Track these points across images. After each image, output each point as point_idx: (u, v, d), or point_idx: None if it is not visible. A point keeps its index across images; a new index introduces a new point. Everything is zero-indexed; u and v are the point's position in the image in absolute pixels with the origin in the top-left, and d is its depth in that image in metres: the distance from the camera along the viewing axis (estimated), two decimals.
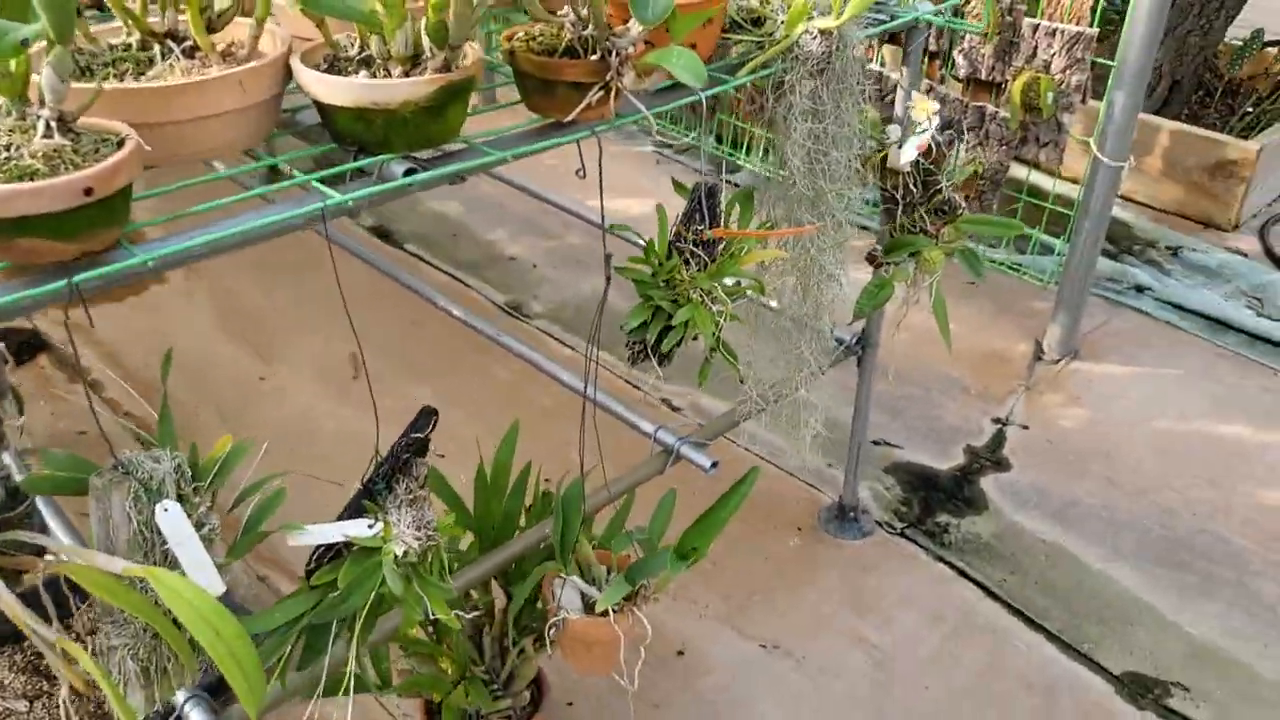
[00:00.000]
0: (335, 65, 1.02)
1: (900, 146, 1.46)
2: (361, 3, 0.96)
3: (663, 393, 2.44)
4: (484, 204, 3.19)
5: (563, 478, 1.33)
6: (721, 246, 1.26)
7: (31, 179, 0.76)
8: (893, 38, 1.68)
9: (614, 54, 1.04)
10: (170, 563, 0.88)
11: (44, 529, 0.84)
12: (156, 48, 0.99)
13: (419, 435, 1.09)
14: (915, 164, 1.49)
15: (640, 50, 1.07)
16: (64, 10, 0.72)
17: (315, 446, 2.20)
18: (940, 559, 1.97)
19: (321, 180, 0.97)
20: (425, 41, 0.95)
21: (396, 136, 0.99)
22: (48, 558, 0.79)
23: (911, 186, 1.51)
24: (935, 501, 2.10)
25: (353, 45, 1.04)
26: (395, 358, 2.47)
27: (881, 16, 1.37)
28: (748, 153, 3.24)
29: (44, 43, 0.77)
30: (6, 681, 1.01)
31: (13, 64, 0.77)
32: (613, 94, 1.07)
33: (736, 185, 1.63)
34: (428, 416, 1.10)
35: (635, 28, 1.04)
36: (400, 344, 2.51)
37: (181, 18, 1.00)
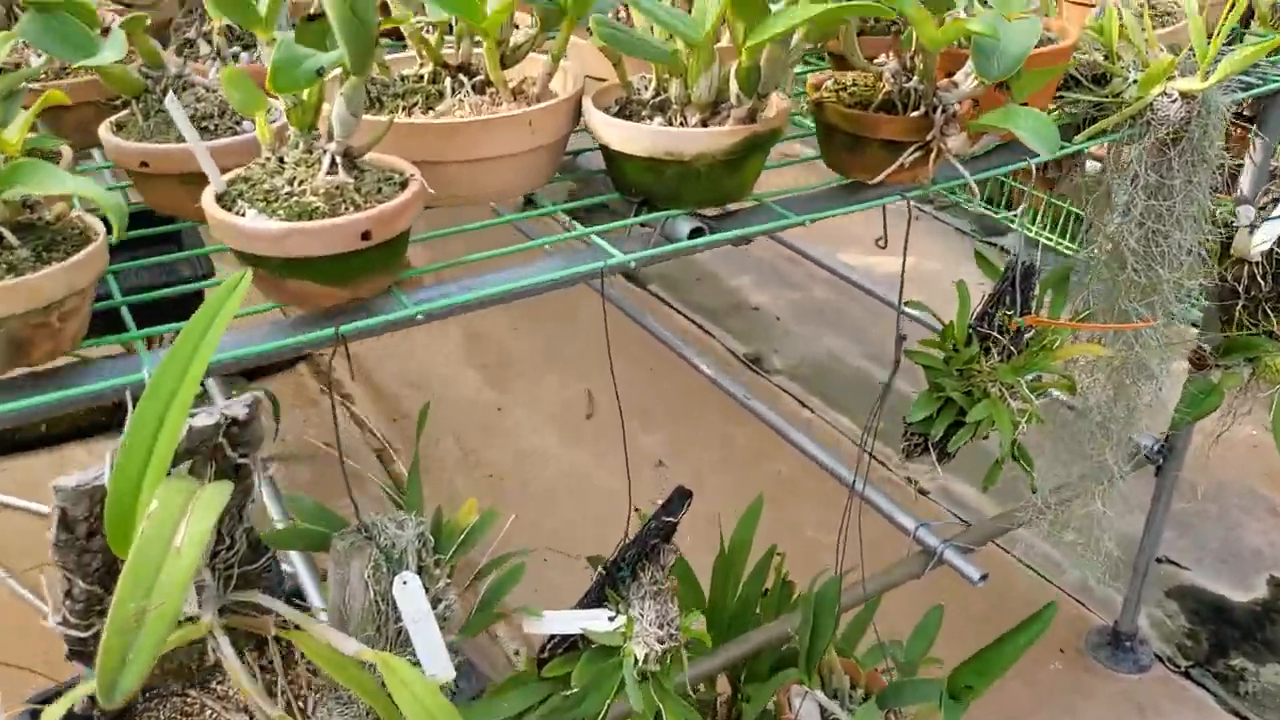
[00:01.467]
0: (627, 109, 0.94)
1: (1252, 231, 1.24)
2: (666, 43, 0.87)
3: (908, 470, 2.24)
4: (729, 247, 3.09)
5: (818, 577, 1.18)
6: (1028, 336, 1.09)
7: (311, 217, 0.70)
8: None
9: (939, 110, 0.90)
10: (402, 639, 0.80)
11: (281, 580, 0.78)
12: (448, 81, 0.93)
13: (671, 519, 0.98)
14: (1268, 253, 1.25)
15: (965, 107, 0.92)
16: (365, 41, 0.66)
17: (546, 486, 2.16)
18: (1234, 712, 1.67)
19: (601, 234, 0.89)
20: (733, 88, 0.84)
21: (687, 190, 0.89)
22: (279, 621, 0.72)
23: (1259, 279, 1.27)
24: (1229, 639, 1.80)
25: (647, 88, 0.95)
26: (630, 403, 2.40)
27: (1250, 79, 1.16)
28: (1061, 232, 2.80)
29: (338, 72, 0.72)
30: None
31: (305, 93, 0.72)
32: (933, 156, 0.92)
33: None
34: (682, 499, 0.99)
35: (968, 83, 0.90)
36: (636, 389, 2.44)
37: (477, 49, 0.94)
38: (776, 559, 1.31)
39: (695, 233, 0.89)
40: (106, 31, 0.91)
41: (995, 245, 2.94)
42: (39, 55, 0.99)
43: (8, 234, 0.63)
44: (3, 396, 0.66)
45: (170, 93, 0.71)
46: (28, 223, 0.65)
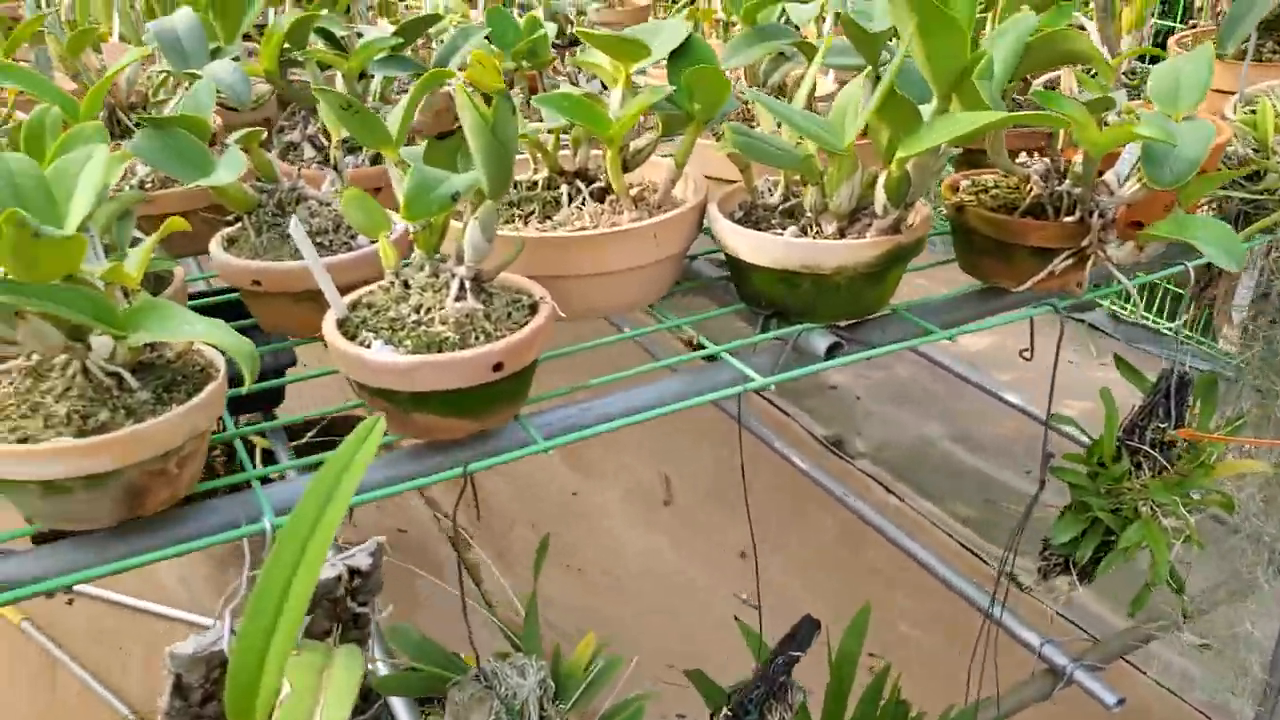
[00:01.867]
0: (753, 214, 0.88)
1: None
2: (798, 146, 0.82)
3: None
4: None
5: (949, 712, 1.09)
6: (1180, 451, 1.00)
7: (440, 349, 0.65)
8: None
9: (1096, 215, 0.84)
10: None
11: None
12: (564, 188, 0.89)
13: (797, 654, 0.91)
14: None
15: (1121, 212, 0.85)
16: (504, 164, 0.62)
17: (629, 578, 2.08)
18: None
19: (731, 350, 0.83)
20: (878, 197, 0.79)
21: (822, 304, 0.83)
22: None
23: None
24: None
25: (773, 191, 0.90)
26: (706, 488, 2.33)
27: None
28: (1202, 330, 2.57)
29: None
30: None
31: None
32: (1088, 264, 0.86)
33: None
34: (810, 631, 0.92)
35: (1129, 187, 0.83)
36: (713, 473, 2.37)
37: (595, 151, 0.90)
38: (891, 680, 1.22)
39: (833, 349, 0.83)
40: (215, 142, 0.88)
41: (1134, 345, 2.75)
42: (143, 165, 0.97)
43: (128, 376, 0.59)
44: (116, 549, 0.62)
45: (294, 219, 0.67)
46: (148, 362, 0.61)
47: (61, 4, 1.28)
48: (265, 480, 0.68)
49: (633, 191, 0.89)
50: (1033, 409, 1.73)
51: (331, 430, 2.18)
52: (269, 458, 2.30)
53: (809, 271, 0.80)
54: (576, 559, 2.15)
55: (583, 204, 0.87)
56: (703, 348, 0.85)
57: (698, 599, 2.06)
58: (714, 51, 0.87)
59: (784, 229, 0.83)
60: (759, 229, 0.85)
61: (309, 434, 2.17)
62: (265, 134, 0.80)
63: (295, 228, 0.67)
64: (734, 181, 0.98)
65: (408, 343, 0.66)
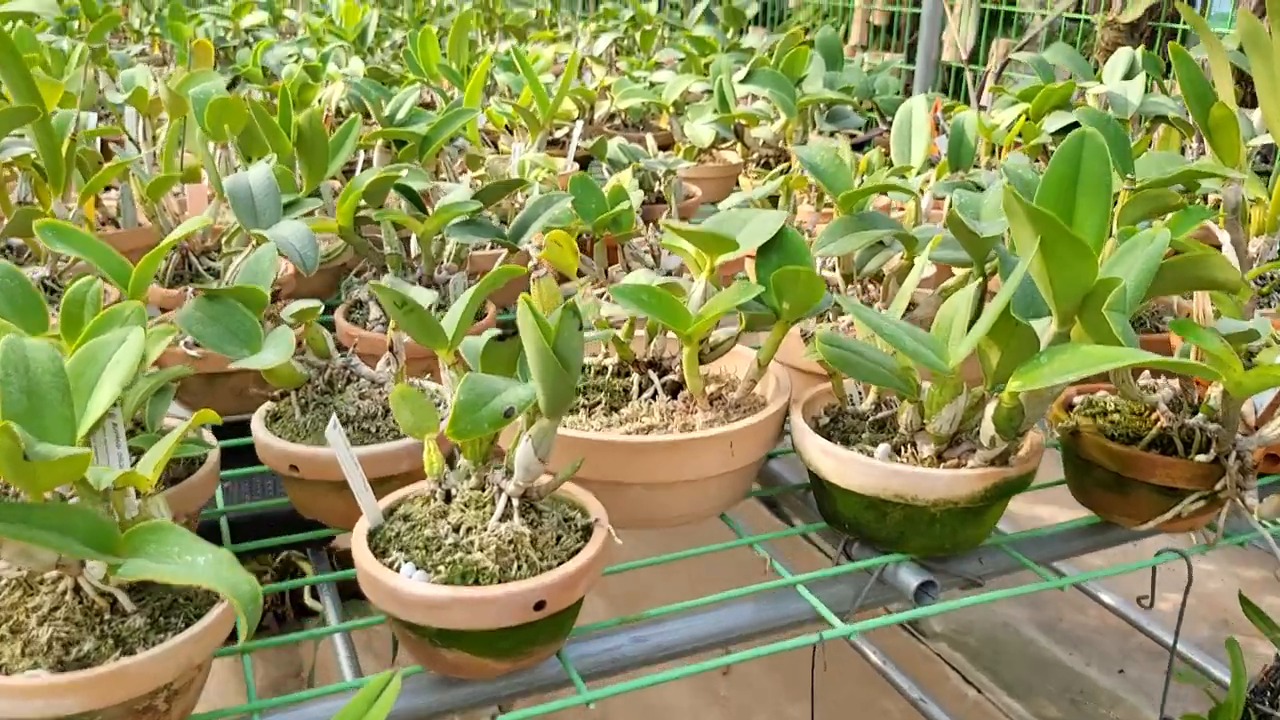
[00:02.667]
0: (841, 421, 0.80)
1: None
2: (897, 358, 0.74)
3: None
4: None
5: None
6: None
7: (477, 580, 0.58)
8: None
9: (1234, 458, 0.73)
10: None
11: None
12: (635, 377, 0.82)
13: None
14: None
15: (1259, 455, 0.75)
16: (566, 387, 0.55)
17: None
18: None
19: (809, 581, 0.74)
20: (985, 429, 0.70)
21: (914, 536, 0.73)
22: None
23: None
24: None
25: (863, 396, 0.82)
26: (768, 661, 2.18)
27: None
28: None
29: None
30: None
31: None
32: (1223, 509, 0.75)
33: None
34: None
35: (1274, 428, 0.73)
36: None
37: (671, 337, 0.83)
38: None
39: (925, 589, 0.73)
40: (277, 298, 0.84)
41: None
42: None
43: (122, 599, 0.53)
44: None
45: (334, 421, 0.61)
46: (148, 581, 0.54)
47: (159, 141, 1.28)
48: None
49: (710, 386, 0.81)
50: (1134, 615, 1.57)
51: None
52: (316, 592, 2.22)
53: (901, 501, 0.71)
54: (618, 717, 2.01)
55: (653, 397, 0.80)
56: (775, 572, 0.76)
57: None
58: (806, 246, 0.81)
59: (875, 445, 0.75)
60: (847, 440, 0.77)
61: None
62: (321, 309, 0.75)
63: (333, 431, 0.61)
64: (822, 378, 0.90)
65: (441, 569, 0.58)
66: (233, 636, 0.67)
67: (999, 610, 2.39)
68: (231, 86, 1.80)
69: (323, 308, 0.76)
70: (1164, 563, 0.77)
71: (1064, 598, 2.45)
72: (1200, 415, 0.75)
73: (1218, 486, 0.74)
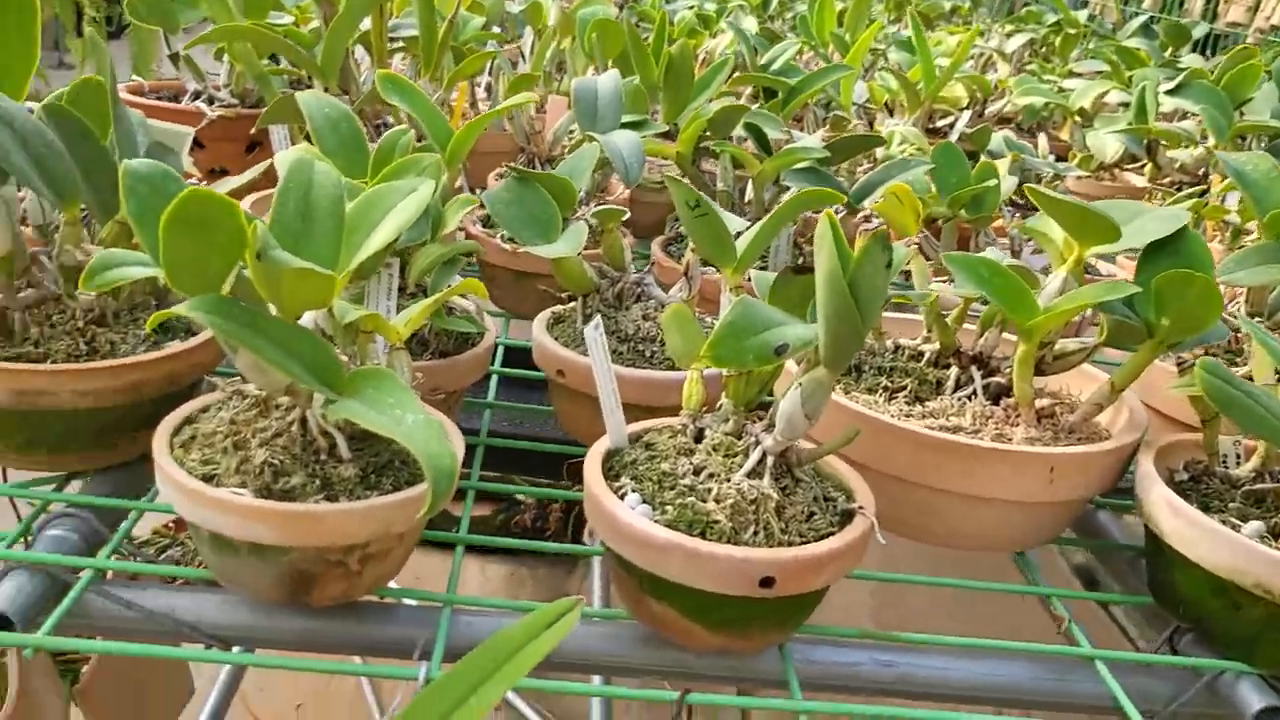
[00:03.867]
0: (1204, 483, 0.63)
1: None
2: None
3: None
4: None
5: None
6: None
7: (704, 533, 0.50)
8: None
9: None
10: None
11: None
12: (954, 370, 0.70)
13: None
14: None
15: None
16: (854, 328, 0.45)
17: None
18: None
19: (1112, 661, 0.59)
20: None
21: (1269, 645, 0.56)
22: None
23: None
24: None
25: (1241, 459, 0.65)
26: None
27: None
28: None
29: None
30: None
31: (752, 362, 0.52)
32: None
33: None
34: None
35: None
36: None
37: (1006, 334, 0.70)
38: None
39: (1269, 715, 0.55)
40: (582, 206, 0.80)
41: None
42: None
43: (341, 443, 0.50)
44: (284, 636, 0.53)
45: (596, 320, 0.55)
46: (373, 433, 0.52)
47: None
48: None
49: (1041, 402, 0.67)
50: None
51: None
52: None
53: (1268, 597, 0.54)
54: None
55: (969, 397, 0.68)
56: (1071, 638, 0.61)
57: None
58: (1212, 256, 0.64)
59: (1245, 520, 0.58)
60: (1208, 508, 0.60)
61: None
62: (626, 214, 0.70)
63: (592, 331, 0.55)
64: (1188, 427, 0.73)
65: (669, 509, 0.51)
66: (456, 525, 0.64)
67: None
68: None
69: (627, 214, 0.70)
70: None
71: None
72: None
73: None
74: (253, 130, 0.90)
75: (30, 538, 0.56)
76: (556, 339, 0.71)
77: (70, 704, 0.91)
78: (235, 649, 0.56)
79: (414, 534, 0.53)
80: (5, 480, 0.74)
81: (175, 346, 0.60)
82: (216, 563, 0.51)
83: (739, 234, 0.61)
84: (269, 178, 0.65)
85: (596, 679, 1.06)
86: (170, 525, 1.52)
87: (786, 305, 0.53)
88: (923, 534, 0.64)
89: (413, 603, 0.57)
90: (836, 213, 0.54)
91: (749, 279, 0.57)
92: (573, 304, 0.74)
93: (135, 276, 0.46)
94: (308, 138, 0.95)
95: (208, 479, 0.49)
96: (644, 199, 1.11)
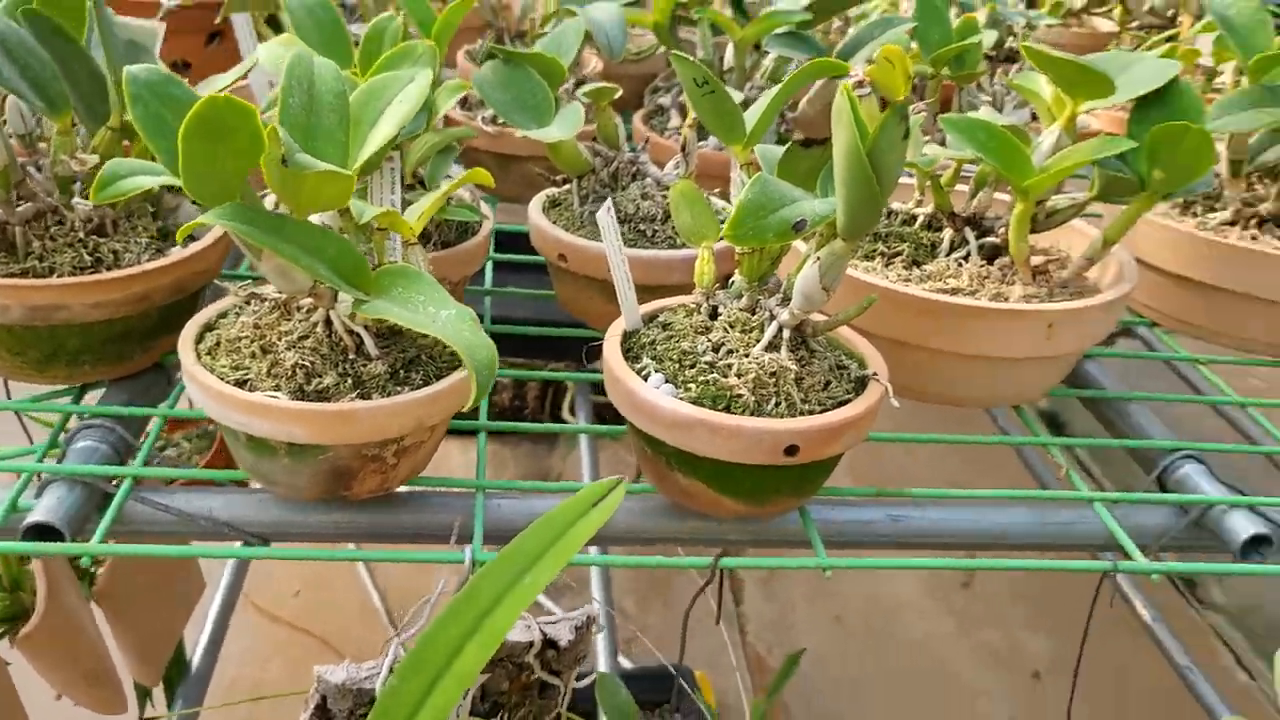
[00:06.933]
0: None
1: None
2: None
3: None
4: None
5: None
6: None
7: (729, 407, 0.51)
8: None
9: None
10: None
11: None
12: (948, 233, 0.71)
13: None
14: None
15: None
16: (873, 201, 0.46)
17: (904, 654, 1.87)
18: None
19: (1110, 502, 0.62)
20: None
21: None
22: None
23: None
24: None
25: None
26: (1015, 587, 2.04)
27: None
28: None
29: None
30: None
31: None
32: None
33: None
34: None
35: None
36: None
37: (1000, 197, 0.71)
38: None
39: (1257, 545, 0.59)
40: (581, 84, 0.79)
41: None
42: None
43: (368, 342, 0.51)
44: (322, 529, 0.54)
45: (607, 204, 0.55)
46: (397, 329, 0.52)
47: None
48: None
49: (1035, 259, 0.69)
50: None
51: None
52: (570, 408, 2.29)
53: None
54: (845, 614, 1.96)
55: (965, 259, 0.69)
56: (1071, 483, 0.65)
57: (973, 705, 1.81)
58: (1203, 105, 0.65)
59: None
60: None
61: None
62: (619, 92, 0.69)
63: (605, 214, 0.55)
64: (1177, 277, 0.75)
65: (691, 387, 0.52)
66: (474, 414, 0.65)
67: None
68: None
69: (620, 92, 0.69)
70: None
71: None
72: None
73: None
74: (217, 20, 0.87)
75: (60, 450, 0.57)
76: (555, 222, 0.71)
77: (92, 605, 0.93)
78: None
79: (443, 426, 0.54)
80: (9, 397, 0.74)
81: (181, 253, 0.60)
82: (254, 463, 0.52)
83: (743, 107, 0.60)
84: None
85: (594, 549, 1.09)
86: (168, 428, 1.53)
87: (795, 179, 0.53)
88: (925, 395, 0.67)
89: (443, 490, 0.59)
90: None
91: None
92: (567, 186, 0.74)
93: (149, 185, 0.45)
94: (272, 27, 0.92)
95: (241, 384, 0.49)
96: (620, 71, 1.09)
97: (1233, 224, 0.77)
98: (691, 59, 0.54)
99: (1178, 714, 1.73)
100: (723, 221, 0.54)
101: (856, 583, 2.04)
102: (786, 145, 0.54)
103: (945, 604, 2.00)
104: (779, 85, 0.58)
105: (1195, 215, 0.80)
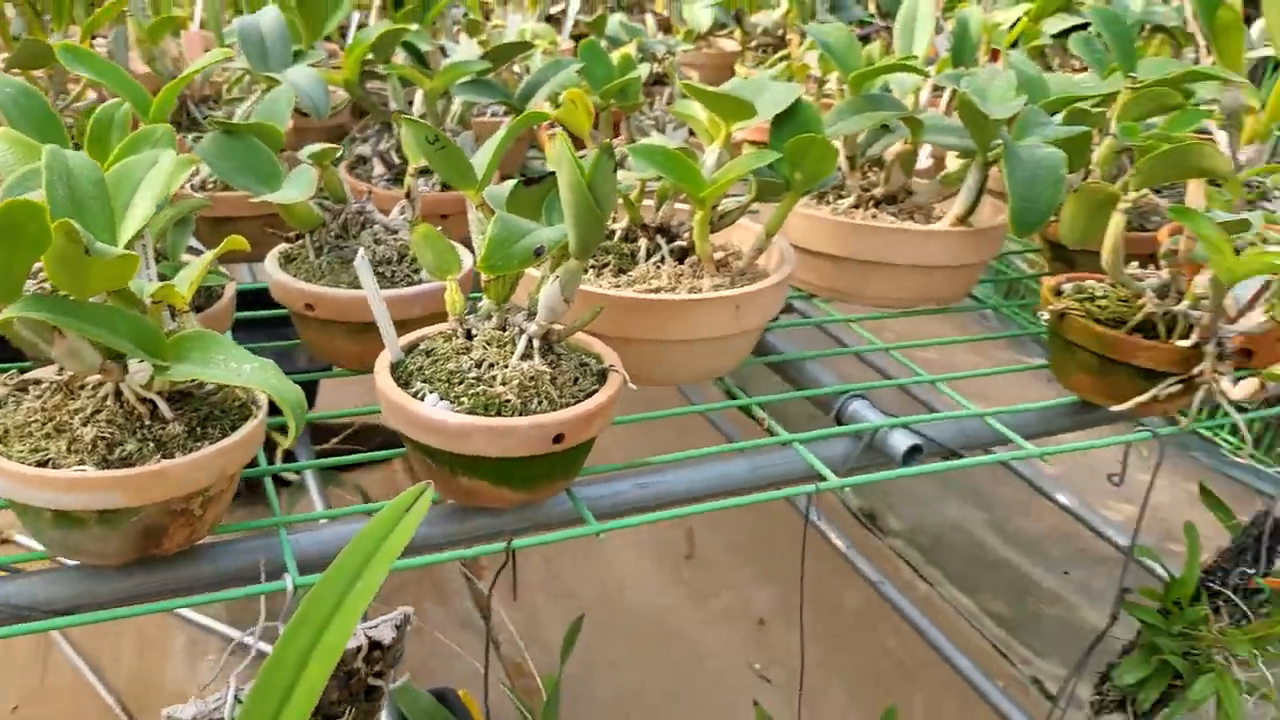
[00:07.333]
0: None
1: None
2: None
3: (1034, 668, 2.04)
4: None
5: None
6: (1265, 600, 0.93)
7: (499, 412, 0.60)
8: None
9: (1215, 344, 0.77)
10: None
11: None
12: (643, 242, 0.83)
13: None
14: None
15: (1238, 343, 0.79)
16: (596, 224, 0.57)
17: (633, 628, 2.01)
18: None
19: (804, 440, 0.77)
20: None
21: None
22: None
23: None
24: None
25: None
26: (734, 545, 2.26)
27: None
28: None
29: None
30: None
31: None
32: (1198, 393, 0.79)
33: None
34: None
35: (1255, 318, 0.76)
36: (740, 531, 2.30)
37: (680, 205, 0.85)
38: None
39: (913, 453, 0.77)
40: (285, 149, 0.84)
41: (1227, 475, 2.54)
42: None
43: (162, 406, 0.54)
44: (124, 586, 0.57)
45: (361, 252, 0.62)
46: (186, 391, 0.56)
47: None
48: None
49: (716, 255, 0.83)
50: (1087, 514, 1.65)
51: (357, 438, 2.13)
52: (290, 456, 2.25)
53: None
54: (585, 601, 2.08)
55: (661, 262, 0.82)
56: (771, 431, 0.79)
57: (707, 666, 1.99)
58: (821, 118, 0.82)
59: None
60: None
61: (334, 439, 2.11)
62: (340, 150, 0.75)
63: (361, 261, 0.62)
64: (821, 255, 0.93)
65: (464, 400, 0.61)
66: (253, 464, 0.69)
67: (952, 512, 2.48)
68: None
69: (339, 151, 0.76)
70: (1134, 440, 0.82)
71: (1015, 502, 2.55)
72: (1186, 303, 0.79)
73: (1195, 370, 0.78)
74: None
75: None
76: (295, 275, 0.76)
77: None
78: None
79: (239, 473, 0.59)
80: None
81: None
82: (60, 539, 0.54)
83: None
84: None
85: None
86: None
87: (523, 213, 0.63)
88: (654, 379, 0.78)
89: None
90: (509, 114, 0.65)
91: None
92: (300, 241, 0.79)
93: None
94: None
95: (42, 464, 0.51)
96: (309, 125, 1.13)
97: (857, 207, 0.96)
98: (419, 120, 0.62)
99: (881, 624, 2.01)
100: (461, 257, 0.63)
101: (589, 579, 2.17)
102: (512, 186, 0.64)
103: (674, 577, 2.18)
104: (503, 130, 0.67)
105: (829, 204, 0.98)
